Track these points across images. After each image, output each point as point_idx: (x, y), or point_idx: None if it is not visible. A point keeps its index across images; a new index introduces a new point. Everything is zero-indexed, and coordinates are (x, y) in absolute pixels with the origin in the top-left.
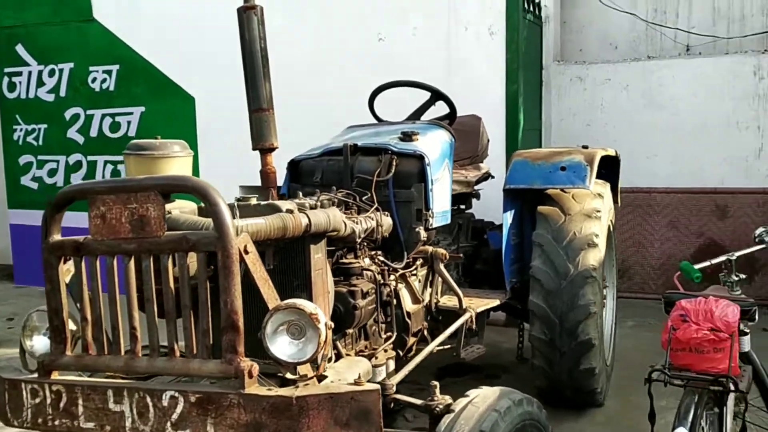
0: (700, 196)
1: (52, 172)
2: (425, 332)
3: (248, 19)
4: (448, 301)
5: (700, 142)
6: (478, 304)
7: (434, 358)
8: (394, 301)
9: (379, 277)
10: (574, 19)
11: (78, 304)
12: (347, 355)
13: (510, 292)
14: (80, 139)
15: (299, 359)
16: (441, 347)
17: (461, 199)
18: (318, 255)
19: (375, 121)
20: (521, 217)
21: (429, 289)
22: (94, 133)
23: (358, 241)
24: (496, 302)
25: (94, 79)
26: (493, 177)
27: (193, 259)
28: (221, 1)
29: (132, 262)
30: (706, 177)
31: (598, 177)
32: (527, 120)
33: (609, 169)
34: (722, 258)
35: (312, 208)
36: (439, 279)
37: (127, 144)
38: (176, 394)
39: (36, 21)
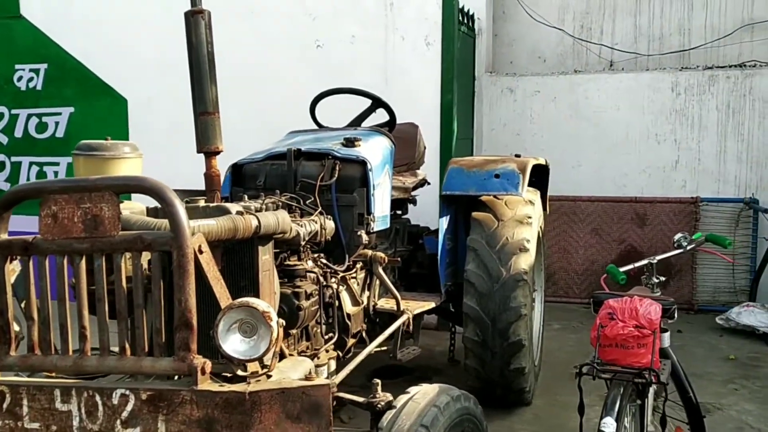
0: (621, 205)
1: None
2: (363, 334)
3: (196, 23)
4: (386, 303)
5: (622, 153)
6: (414, 306)
7: (370, 360)
8: (336, 303)
9: (321, 279)
10: (505, 33)
11: (22, 304)
12: (290, 355)
13: (444, 295)
14: (4, 140)
15: (251, 356)
16: (378, 349)
17: (398, 204)
18: (266, 256)
19: (316, 127)
20: (456, 222)
21: (368, 292)
22: (19, 133)
23: (303, 243)
24: (432, 305)
25: (20, 78)
26: (429, 183)
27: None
28: (156, 2)
29: (83, 262)
30: (627, 186)
31: (529, 185)
32: (460, 129)
33: (539, 177)
34: (644, 261)
35: (257, 211)
36: (378, 282)
37: (57, 143)
38: (127, 392)
39: None
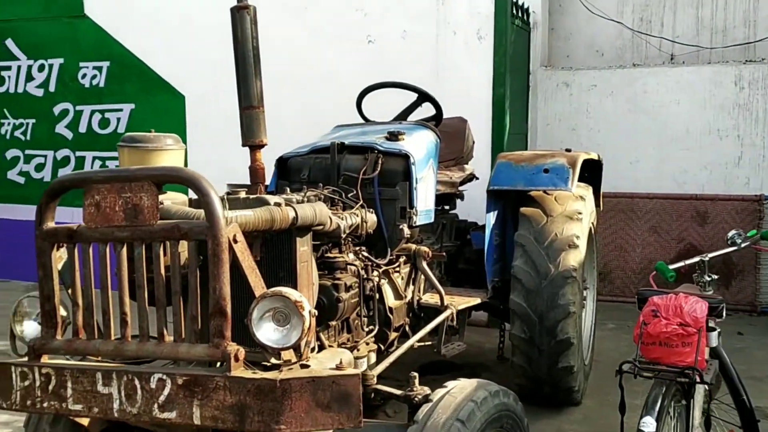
0: (681, 202)
1: (39, 167)
2: (407, 328)
3: (241, 18)
4: (430, 298)
5: (682, 149)
6: (459, 302)
7: (415, 355)
8: (377, 296)
9: (362, 272)
10: (561, 26)
11: (69, 290)
12: (330, 346)
13: (491, 291)
14: (69, 135)
15: (284, 345)
16: (422, 343)
17: (446, 199)
18: (304, 248)
19: (362, 121)
20: (504, 217)
21: (412, 286)
22: (83, 129)
23: (343, 236)
24: (477, 301)
25: (84, 75)
26: (477, 178)
27: (183, 248)
28: (214, 1)
29: (124, 250)
30: (687, 183)
31: (581, 180)
32: (513, 124)
33: (592, 172)
34: (696, 259)
35: (299, 203)
36: (422, 276)
37: (119, 138)
38: (164, 377)
39: (27, 16)
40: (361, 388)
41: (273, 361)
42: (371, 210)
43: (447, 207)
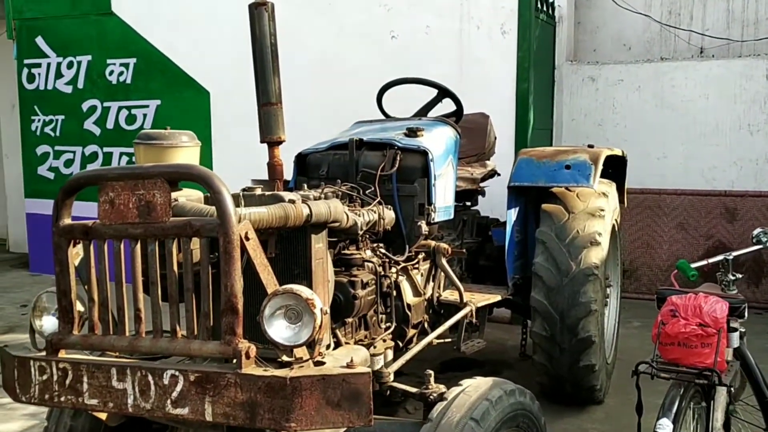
0: (709, 198)
1: (68, 163)
2: (426, 325)
3: (259, 15)
4: (450, 295)
5: (711, 145)
6: (479, 299)
7: (437, 351)
8: (394, 293)
9: (380, 269)
10: (588, 20)
11: (86, 286)
12: (346, 343)
13: (512, 288)
14: (97, 131)
15: (295, 342)
16: (442, 341)
17: (467, 195)
18: (319, 245)
19: (382, 117)
20: (525, 214)
21: (431, 283)
22: (110, 125)
23: (360, 233)
24: (498, 298)
25: (111, 72)
26: (499, 174)
27: (196, 245)
28: None
29: (138, 247)
30: (716, 179)
31: (605, 177)
32: (538, 119)
33: (616, 169)
34: (719, 257)
35: (316, 200)
36: (442, 273)
37: None
38: (176, 373)
39: (56, 14)
40: (371, 387)
41: (285, 358)
42: (389, 207)
43: (468, 203)
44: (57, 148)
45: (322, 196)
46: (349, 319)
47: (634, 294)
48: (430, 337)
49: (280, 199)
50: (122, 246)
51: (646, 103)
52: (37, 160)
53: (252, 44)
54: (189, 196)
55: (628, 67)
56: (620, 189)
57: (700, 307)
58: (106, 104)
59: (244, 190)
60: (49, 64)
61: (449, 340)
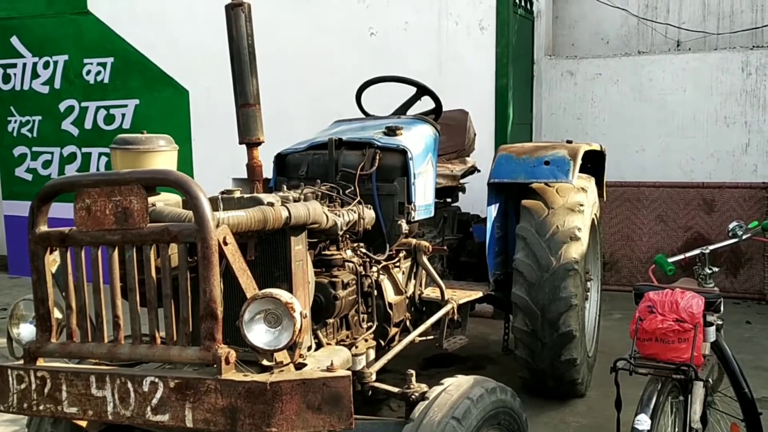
0: (687, 190)
1: (46, 164)
2: (408, 323)
3: (236, 15)
4: (432, 292)
5: (688, 137)
6: (460, 295)
7: (419, 349)
8: (375, 292)
9: (360, 268)
10: (566, 15)
11: (63, 293)
12: (328, 344)
13: (493, 284)
14: (75, 131)
15: (275, 347)
16: (424, 338)
17: (447, 192)
18: (298, 247)
19: (362, 116)
20: (506, 210)
21: (413, 281)
22: (88, 125)
23: (340, 233)
24: (479, 294)
25: (88, 72)
26: (479, 171)
27: (174, 251)
28: None
29: (116, 253)
30: (694, 171)
31: (583, 171)
32: (517, 114)
33: (594, 163)
34: (696, 251)
35: (295, 201)
36: (423, 271)
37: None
38: (156, 380)
39: (31, 13)
40: (351, 390)
41: (265, 362)
42: (369, 206)
43: (449, 200)
44: (34, 149)
45: (302, 197)
46: (331, 320)
47: (615, 286)
48: (413, 335)
49: (258, 202)
50: (99, 252)
51: (624, 97)
52: (14, 162)
53: (229, 45)
54: (167, 200)
55: (606, 61)
56: (599, 183)
57: (677, 303)
58: (83, 104)
59: (222, 193)
60: (24, 64)
61: (431, 337)
